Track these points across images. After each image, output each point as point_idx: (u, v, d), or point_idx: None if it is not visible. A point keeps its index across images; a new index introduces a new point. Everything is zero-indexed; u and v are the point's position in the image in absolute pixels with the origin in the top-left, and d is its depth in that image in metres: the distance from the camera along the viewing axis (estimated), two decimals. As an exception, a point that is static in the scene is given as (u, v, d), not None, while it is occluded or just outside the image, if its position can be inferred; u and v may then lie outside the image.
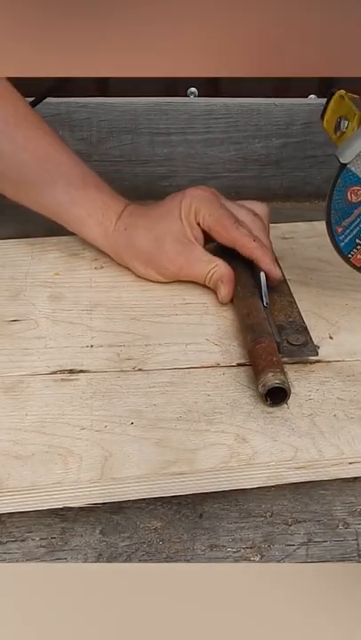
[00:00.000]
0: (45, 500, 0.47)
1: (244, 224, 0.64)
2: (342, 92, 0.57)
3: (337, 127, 0.56)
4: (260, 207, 0.67)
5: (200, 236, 0.64)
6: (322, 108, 0.58)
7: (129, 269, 0.67)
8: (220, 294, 0.63)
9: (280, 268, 0.65)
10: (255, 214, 0.66)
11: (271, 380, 0.51)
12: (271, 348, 0.54)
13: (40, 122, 0.66)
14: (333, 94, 0.57)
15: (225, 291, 0.63)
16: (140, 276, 0.66)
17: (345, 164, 0.53)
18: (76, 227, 0.67)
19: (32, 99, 0.74)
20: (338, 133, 0.56)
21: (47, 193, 0.66)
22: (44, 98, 0.76)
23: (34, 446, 0.49)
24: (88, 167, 0.68)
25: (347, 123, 0.55)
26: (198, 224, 0.64)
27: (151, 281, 0.66)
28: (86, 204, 0.66)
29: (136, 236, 0.65)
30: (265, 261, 0.62)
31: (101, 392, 0.53)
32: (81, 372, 0.55)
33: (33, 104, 0.75)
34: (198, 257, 0.64)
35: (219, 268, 0.63)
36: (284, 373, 0.52)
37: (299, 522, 0.48)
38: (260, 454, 0.48)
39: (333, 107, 0.58)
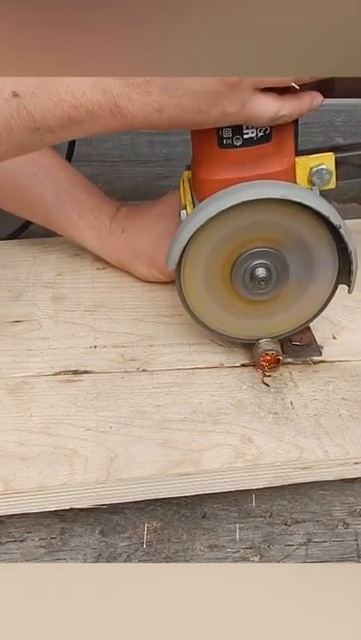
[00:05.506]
0: (52, 501, 0.47)
1: None
2: (187, 173, 0.54)
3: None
4: None
5: None
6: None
7: (129, 272, 0.66)
8: None
9: None
10: None
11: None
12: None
13: None
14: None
15: None
16: (140, 278, 0.66)
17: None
18: (69, 230, 0.66)
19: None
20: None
21: (36, 197, 0.65)
22: None
23: (39, 447, 0.49)
24: (76, 170, 0.67)
25: (185, 214, 0.51)
26: None
27: (154, 282, 0.65)
28: (77, 207, 0.65)
29: (136, 238, 0.64)
30: None
31: (106, 393, 0.53)
32: (85, 372, 0.56)
33: None
34: None
35: None
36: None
37: (298, 522, 0.49)
38: (266, 455, 0.48)
39: (182, 191, 0.54)
